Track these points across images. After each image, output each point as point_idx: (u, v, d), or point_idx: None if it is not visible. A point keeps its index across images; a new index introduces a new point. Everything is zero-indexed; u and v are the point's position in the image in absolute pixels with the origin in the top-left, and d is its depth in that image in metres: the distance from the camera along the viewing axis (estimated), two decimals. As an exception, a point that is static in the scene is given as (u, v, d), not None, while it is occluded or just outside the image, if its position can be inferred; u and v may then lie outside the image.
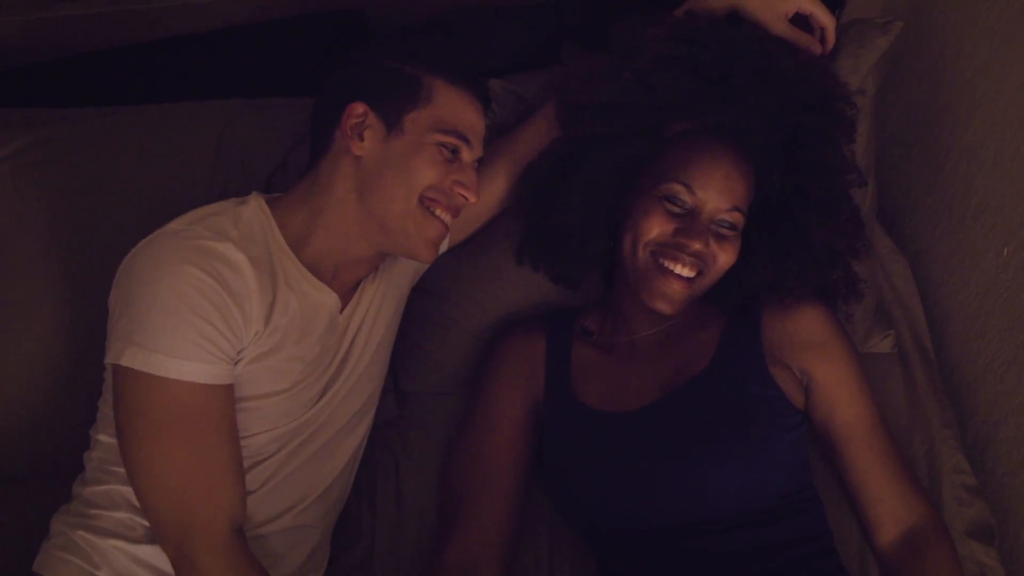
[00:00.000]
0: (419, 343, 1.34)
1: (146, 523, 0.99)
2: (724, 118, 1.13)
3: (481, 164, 1.15)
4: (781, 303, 1.18)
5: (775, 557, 1.06)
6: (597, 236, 1.21)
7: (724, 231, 1.12)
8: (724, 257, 1.12)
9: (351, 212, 1.07)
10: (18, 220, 1.26)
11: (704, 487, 1.06)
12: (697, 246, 1.09)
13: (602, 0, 1.42)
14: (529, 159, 1.24)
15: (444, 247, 1.24)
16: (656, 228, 1.12)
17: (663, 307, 1.12)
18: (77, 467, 1.09)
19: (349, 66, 1.11)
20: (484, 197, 1.19)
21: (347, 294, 1.13)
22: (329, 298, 1.09)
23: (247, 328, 0.99)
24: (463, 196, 1.09)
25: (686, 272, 1.11)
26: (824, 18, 1.20)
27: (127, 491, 1.00)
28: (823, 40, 1.22)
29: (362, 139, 1.06)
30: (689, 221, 1.10)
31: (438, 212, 1.08)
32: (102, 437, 1.04)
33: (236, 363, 1.00)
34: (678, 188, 1.10)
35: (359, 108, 1.05)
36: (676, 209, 1.11)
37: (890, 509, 1.13)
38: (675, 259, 1.11)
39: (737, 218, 1.12)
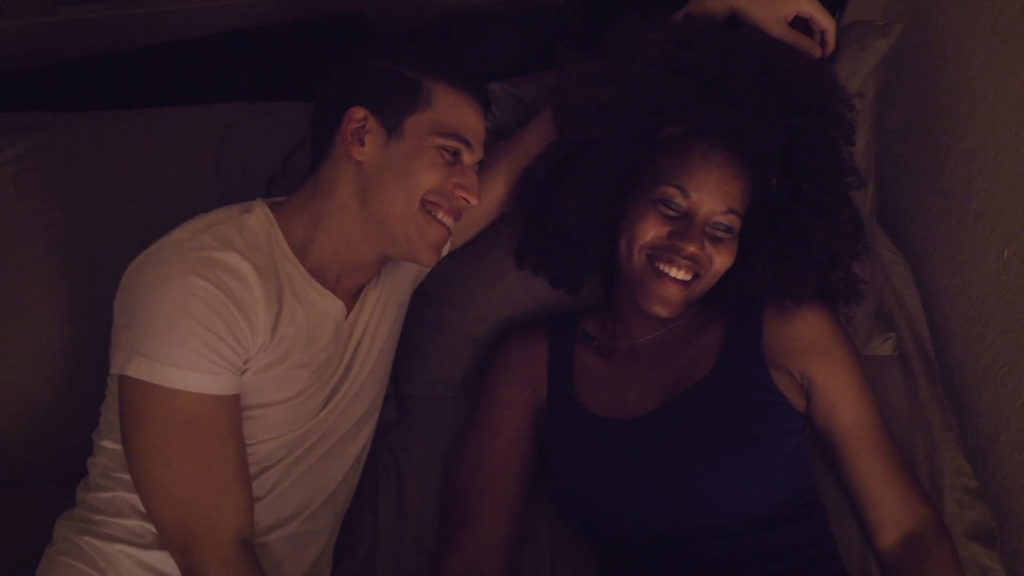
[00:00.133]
0: (420, 347, 1.34)
1: (154, 529, 0.99)
2: (719, 121, 1.13)
3: (481, 167, 1.15)
4: (782, 306, 1.18)
5: (777, 562, 1.06)
6: (595, 240, 1.21)
7: (720, 233, 1.12)
8: (720, 260, 1.12)
9: (353, 217, 1.07)
10: (19, 224, 1.26)
11: (706, 493, 1.06)
12: (692, 249, 1.09)
13: (601, 3, 1.42)
14: (529, 162, 1.24)
15: (445, 251, 1.24)
16: (651, 231, 1.12)
17: (659, 310, 1.12)
18: (80, 471, 1.09)
19: (347, 70, 1.10)
20: (484, 200, 1.19)
21: (350, 300, 1.13)
22: (334, 306, 1.09)
23: (253, 339, 0.99)
24: (464, 199, 1.09)
25: (681, 275, 1.11)
26: (825, 21, 1.20)
27: (133, 498, 1.00)
28: (823, 43, 1.22)
29: (363, 144, 1.05)
30: (684, 224, 1.10)
31: (440, 216, 1.08)
32: (106, 443, 1.04)
33: (242, 373, 1.00)
34: (672, 191, 1.10)
35: (359, 113, 1.05)
36: (671, 212, 1.11)
37: (891, 512, 1.13)
38: (670, 262, 1.11)
39: (733, 220, 1.12)
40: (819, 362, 1.15)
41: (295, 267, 1.06)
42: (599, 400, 1.18)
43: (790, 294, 1.17)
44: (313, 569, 1.13)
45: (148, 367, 0.93)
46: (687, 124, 1.15)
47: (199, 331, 0.94)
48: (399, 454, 1.32)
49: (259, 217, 1.05)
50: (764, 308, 1.18)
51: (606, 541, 1.15)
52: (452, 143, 1.07)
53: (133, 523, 1.01)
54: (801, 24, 1.21)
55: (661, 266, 1.11)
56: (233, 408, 0.99)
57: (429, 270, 1.27)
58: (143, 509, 0.99)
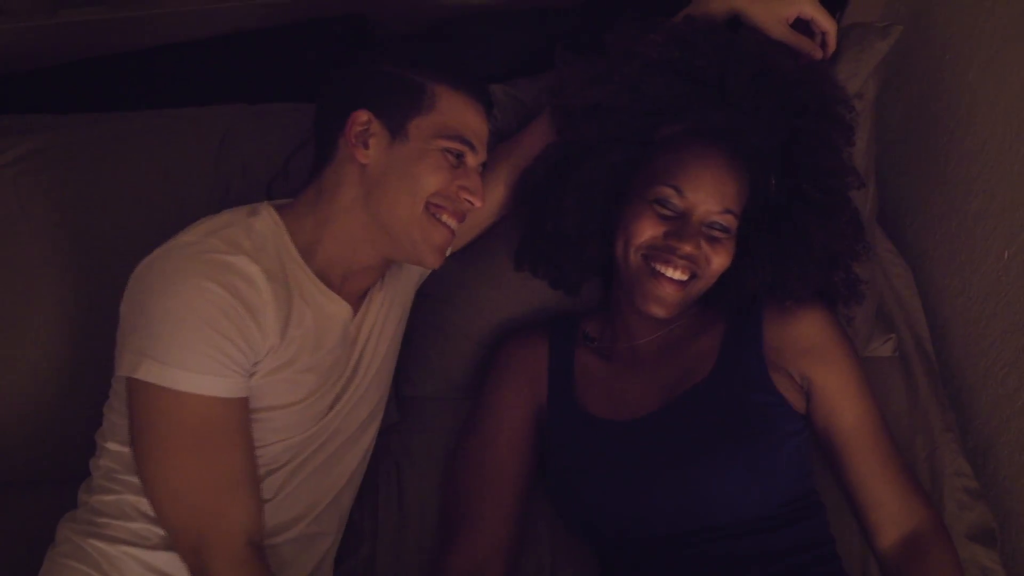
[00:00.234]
0: (421, 348, 1.34)
1: (161, 532, 0.99)
2: (716, 121, 1.14)
3: (483, 169, 1.15)
4: (782, 307, 1.17)
5: (777, 563, 1.06)
6: (593, 241, 1.21)
7: (716, 233, 1.12)
8: (718, 260, 1.12)
9: (358, 220, 1.07)
10: (20, 225, 1.26)
11: (706, 494, 1.07)
12: (688, 248, 1.09)
13: (602, 5, 1.42)
14: (529, 164, 1.24)
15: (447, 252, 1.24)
16: (647, 231, 1.12)
17: (656, 310, 1.12)
18: (81, 472, 1.09)
19: (351, 72, 1.10)
20: (485, 202, 1.19)
21: (355, 302, 1.13)
22: (341, 309, 1.09)
23: (263, 341, 0.99)
24: (468, 201, 1.09)
25: (678, 275, 1.11)
26: (826, 23, 1.20)
27: (138, 501, 1.00)
28: (824, 45, 1.22)
29: (367, 147, 1.05)
30: (680, 224, 1.10)
31: (444, 218, 1.08)
32: (110, 445, 1.03)
33: (251, 376, 1.00)
34: (668, 191, 1.10)
35: (363, 116, 1.05)
36: (666, 212, 1.11)
37: (891, 512, 1.13)
38: (666, 262, 1.11)
39: (729, 220, 1.12)
40: (819, 363, 1.15)
41: (302, 270, 1.06)
42: (599, 402, 1.18)
43: (791, 294, 1.17)
44: (318, 570, 1.13)
45: (158, 370, 0.93)
46: (683, 124, 1.15)
47: (209, 334, 0.94)
48: (399, 455, 1.32)
49: (266, 220, 1.05)
50: (764, 309, 1.18)
51: (606, 543, 1.15)
52: (456, 145, 1.07)
53: (138, 526, 1.00)
54: (802, 26, 1.21)
55: (657, 266, 1.11)
56: (242, 410, 0.99)
57: (430, 272, 1.27)
58: (149, 512, 0.99)
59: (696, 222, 1.10)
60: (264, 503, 1.03)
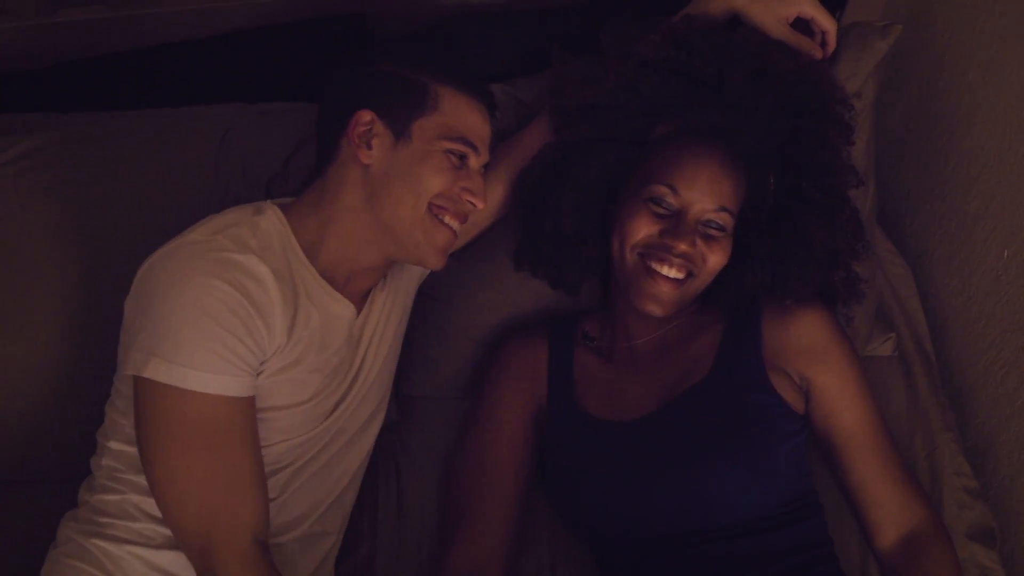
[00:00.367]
0: (421, 348, 1.34)
1: (165, 532, 0.99)
2: (711, 120, 1.13)
3: (484, 169, 1.15)
4: (781, 308, 1.17)
5: (776, 563, 1.06)
6: (591, 241, 1.21)
7: (712, 232, 1.12)
8: (714, 258, 1.12)
9: (361, 220, 1.07)
10: (20, 224, 1.26)
11: (706, 495, 1.06)
12: (683, 247, 1.09)
13: (602, 6, 1.42)
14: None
15: (448, 252, 1.24)
16: (642, 230, 1.12)
17: (652, 309, 1.12)
18: (82, 471, 1.09)
19: (353, 72, 1.10)
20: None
21: (358, 302, 1.13)
22: (346, 309, 1.09)
23: (270, 341, 0.99)
24: (471, 203, 1.09)
25: (673, 273, 1.11)
26: (826, 22, 1.20)
27: (141, 500, 1.00)
28: (824, 44, 1.22)
29: (370, 147, 1.05)
30: (675, 222, 1.10)
31: (446, 219, 1.08)
32: (113, 444, 1.03)
33: (258, 375, 1.00)
34: (663, 190, 1.10)
35: (366, 116, 1.05)
36: (661, 210, 1.11)
37: (890, 512, 1.13)
38: (662, 260, 1.11)
39: (725, 219, 1.11)
40: (818, 364, 1.14)
41: (308, 270, 1.06)
42: (599, 402, 1.18)
43: (791, 294, 1.16)
44: (320, 570, 1.13)
45: (166, 369, 0.93)
46: (679, 123, 1.15)
47: (218, 333, 0.94)
48: (399, 455, 1.32)
49: (271, 219, 1.05)
50: (763, 310, 1.18)
51: (605, 543, 1.15)
52: (459, 147, 1.07)
53: (143, 526, 1.00)
54: (802, 25, 1.21)
55: (653, 264, 1.11)
56: (250, 409, 0.99)
57: (431, 271, 1.27)
58: (153, 512, 0.99)
59: (691, 220, 1.10)
60: (269, 503, 1.03)
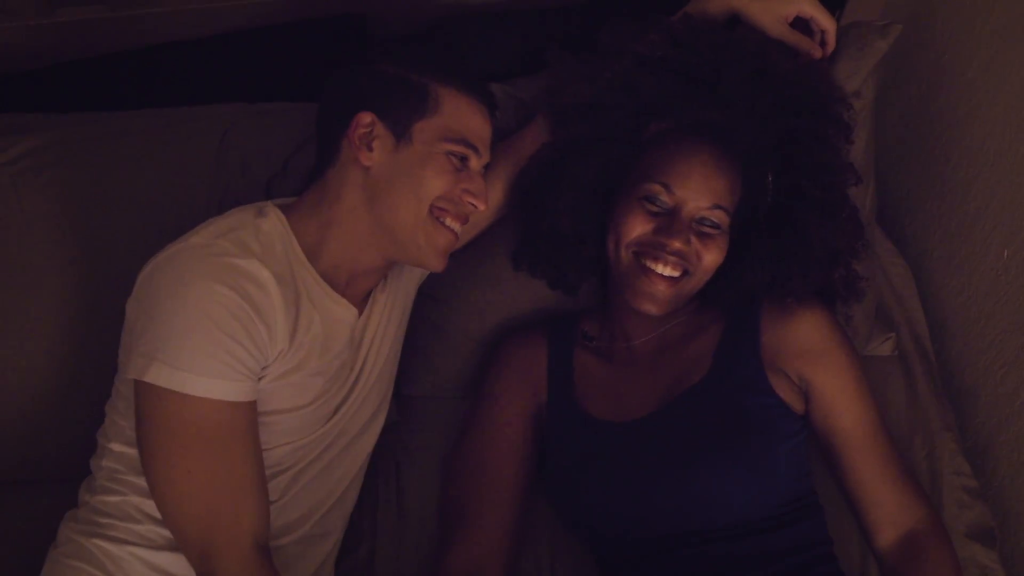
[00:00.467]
0: (420, 348, 1.34)
1: (166, 533, 0.99)
2: (704, 117, 1.13)
3: (485, 170, 1.15)
4: (780, 308, 1.17)
5: (776, 564, 1.06)
6: (589, 240, 1.21)
7: (707, 229, 1.12)
8: (710, 256, 1.12)
9: (361, 222, 1.06)
10: (20, 224, 1.26)
11: (705, 496, 1.06)
12: (677, 244, 1.09)
13: (601, 6, 1.42)
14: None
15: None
16: (637, 228, 1.12)
17: (648, 307, 1.12)
18: (82, 471, 1.09)
19: (353, 73, 1.10)
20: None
21: (359, 304, 1.13)
22: (348, 312, 1.09)
23: (272, 346, 0.99)
24: (472, 204, 1.09)
25: (668, 271, 1.11)
26: (825, 21, 1.20)
27: (141, 502, 1.00)
28: (823, 43, 1.22)
29: (370, 149, 1.05)
30: (668, 220, 1.10)
31: (448, 221, 1.08)
32: (114, 446, 1.03)
33: (260, 379, 0.99)
34: (656, 188, 1.10)
35: (367, 118, 1.05)
36: (656, 209, 1.11)
37: (889, 512, 1.13)
38: (656, 259, 1.11)
39: (720, 216, 1.11)
40: (817, 365, 1.14)
41: (310, 273, 1.05)
42: (598, 403, 1.18)
43: (791, 293, 1.16)
44: (320, 570, 1.13)
45: (168, 374, 0.93)
46: (670, 121, 1.15)
47: (220, 338, 0.93)
48: (399, 455, 1.32)
49: (273, 222, 1.05)
50: (761, 310, 1.18)
51: (605, 543, 1.15)
52: (460, 149, 1.07)
53: (144, 528, 1.00)
54: (801, 24, 1.21)
55: (648, 263, 1.11)
56: (251, 413, 0.98)
57: (429, 272, 1.27)
58: (154, 514, 0.99)
59: (685, 218, 1.10)
60: (269, 505, 1.03)
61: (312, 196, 1.09)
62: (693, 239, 1.10)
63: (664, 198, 1.11)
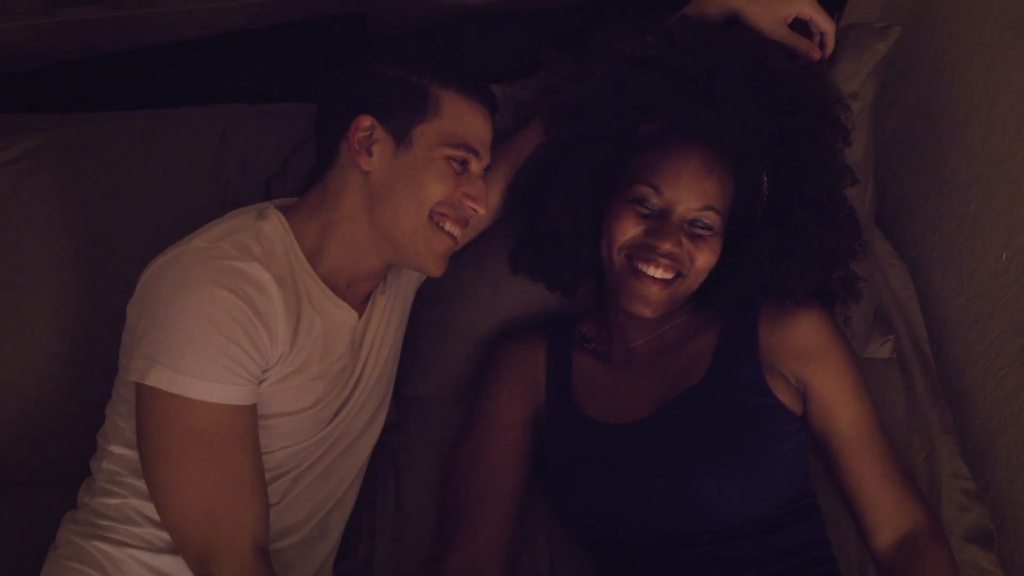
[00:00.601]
0: (419, 350, 1.34)
1: (167, 536, 0.99)
2: (696, 117, 1.13)
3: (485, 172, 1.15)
4: (778, 309, 1.17)
5: (774, 565, 1.06)
6: (585, 242, 1.21)
7: (699, 231, 1.12)
8: (702, 258, 1.12)
9: (361, 227, 1.06)
10: (20, 224, 1.26)
11: (703, 498, 1.06)
12: (668, 247, 1.09)
13: (601, 5, 1.42)
14: (526, 165, 1.24)
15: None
16: (628, 231, 1.12)
17: (641, 310, 1.12)
18: (82, 472, 1.09)
19: (353, 75, 1.09)
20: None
21: (359, 306, 1.13)
22: (349, 316, 1.09)
23: (273, 349, 0.98)
24: (473, 208, 1.09)
25: (660, 273, 1.11)
26: (824, 23, 1.20)
27: (143, 505, 1.00)
28: (822, 45, 1.22)
29: (370, 154, 1.04)
30: (659, 222, 1.10)
31: (447, 226, 1.08)
32: (114, 448, 1.03)
33: (260, 383, 0.99)
34: (646, 190, 1.10)
35: (366, 121, 1.04)
36: (646, 211, 1.11)
37: (887, 514, 1.13)
38: (648, 261, 1.10)
39: (711, 217, 1.11)
40: (815, 366, 1.14)
41: (311, 276, 1.05)
42: (597, 404, 1.18)
43: (789, 294, 1.16)
44: (319, 573, 1.13)
45: (169, 377, 0.93)
46: (659, 122, 1.15)
47: (221, 342, 0.93)
48: (397, 456, 1.32)
49: (274, 224, 1.04)
50: (759, 312, 1.18)
51: (604, 545, 1.15)
52: (461, 153, 1.06)
53: (144, 531, 1.00)
54: (800, 26, 1.21)
55: (640, 265, 1.11)
56: (251, 417, 0.98)
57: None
58: (154, 516, 0.99)
59: (676, 220, 1.10)
60: (269, 508, 1.03)
61: (312, 198, 1.09)
62: (685, 241, 1.10)
63: (654, 200, 1.10)
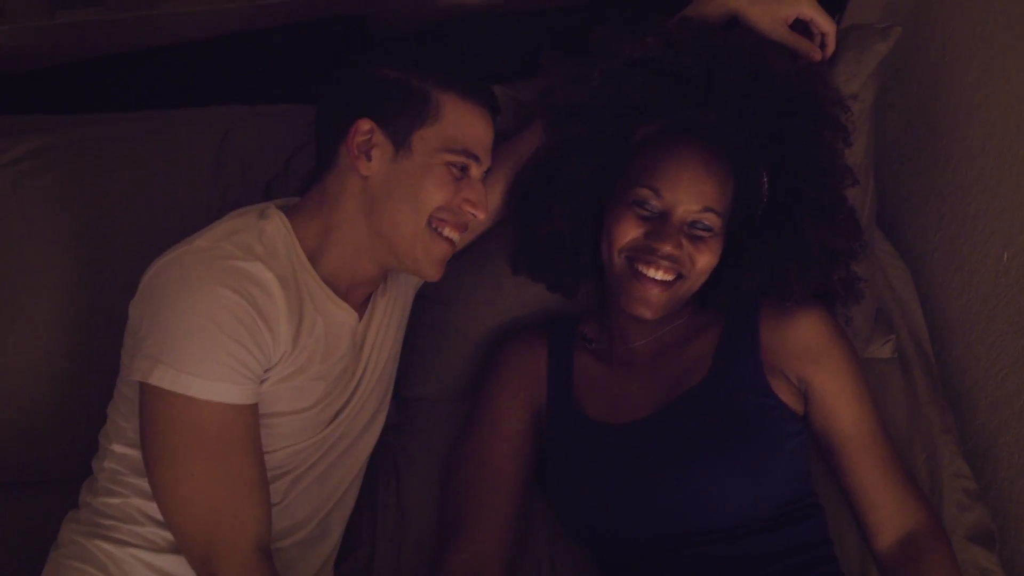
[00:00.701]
0: (420, 350, 1.34)
1: (169, 536, 0.99)
2: (695, 118, 1.13)
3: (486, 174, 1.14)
4: (779, 309, 1.17)
5: (776, 564, 1.06)
6: (585, 244, 1.21)
7: (699, 232, 1.11)
8: (703, 259, 1.11)
9: (359, 231, 1.06)
10: (20, 225, 1.26)
11: (705, 497, 1.06)
12: (668, 249, 1.09)
13: (602, 6, 1.42)
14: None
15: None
16: (628, 233, 1.11)
17: (642, 311, 1.12)
18: (83, 472, 1.09)
19: (353, 76, 1.08)
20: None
21: (360, 308, 1.12)
22: (350, 316, 1.09)
23: (275, 349, 0.98)
24: (472, 213, 1.08)
25: (660, 275, 1.11)
26: (825, 24, 1.20)
27: (145, 505, 1.00)
28: (823, 46, 1.22)
29: (369, 158, 1.03)
30: (659, 224, 1.10)
31: (446, 232, 1.07)
32: (116, 447, 1.03)
33: (262, 382, 0.99)
34: (646, 193, 1.10)
35: (365, 125, 1.03)
36: (646, 213, 1.11)
37: (889, 514, 1.13)
38: (648, 263, 1.10)
39: (711, 219, 1.11)
40: (816, 366, 1.14)
41: (312, 277, 1.05)
42: (598, 404, 1.18)
43: (790, 296, 1.16)
44: (320, 572, 1.13)
45: (172, 376, 0.92)
46: (658, 124, 1.15)
47: (224, 341, 0.93)
48: (398, 457, 1.32)
49: (276, 224, 1.04)
50: (761, 311, 1.18)
51: (605, 545, 1.15)
52: (461, 159, 1.05)
53: (146, 530, 1.00)
54: (801, 27, 1.21)
55: (640, 267, 1.11)
56: (253, 417, 0.98)
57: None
58: (156, 516, 0.99)
59: (676, 222, 1.10)
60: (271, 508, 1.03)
61: (313, 199, 1.08)
62: (685, 242, 1.10)
63: (654, 202, 1.10)
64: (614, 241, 1.13)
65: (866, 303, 1.28)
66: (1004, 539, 1.30)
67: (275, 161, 1.33)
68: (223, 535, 0.95)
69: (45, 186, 1.27)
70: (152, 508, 0.99)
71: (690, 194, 1.09)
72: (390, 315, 1.18)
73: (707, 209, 1.10)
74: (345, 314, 1.08)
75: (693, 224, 1.11)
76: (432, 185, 1.04)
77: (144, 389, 0.95)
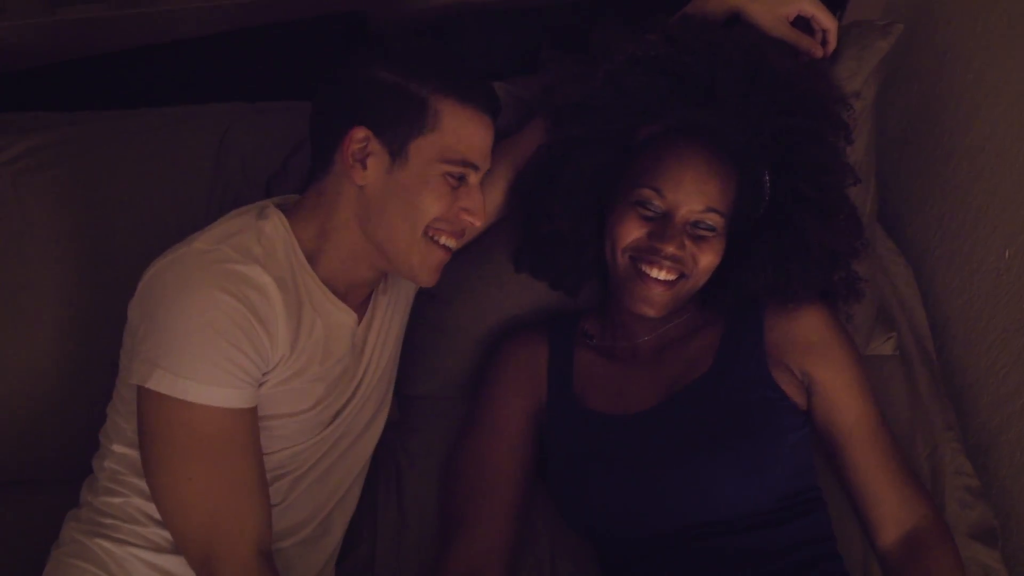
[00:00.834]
0: (421, 348, 1.34)
1: (170, 536, 0.99)
2: (697, 118, 1.13)
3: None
4: (783, 305, 1.17)
5: (778, 559, 1.06)
6: (588, 243, 1.21)
7: (702, 232, 1.11)
8: (706, 259, 1.11)
9: (355, 236, 1.05)
10: (20, 223, 1.26)
11: (707, 491, 1.06)
12: (671, 249, 1.09)
13: (602, 4, 1.42)
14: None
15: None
16: (631, 233, 1.11)
17: (646, 311, 1.12)
18: (83, 470, 1.09)
19: (350, 78, 1.04)
20: (485, 205, 1.17)
21: (360, 308, 1.12)
22: (349, 318, 1.08)
23: (273, 352, 0.98)
24: (469, 221, 1.07)
25: (663, 275, 1.11)
26: (826, 21, 1.20)
27: (146, 505, 1.00)
28: (824, 43, 1.22)
29: (364, 167, 1.01)
30: (662, 224, 1.10)
31: (443, 240, 1.06)
32: (116, 447, 1.03)
33: (261, 385, 0.99)
34: (648, 193, 1.10)
35: (360, 133, 1.00)
36: (649, 213, 1.11)
37: (891, 510, 1.13)
38: (651, 263, 1.10)
39: (714, 219, 1.11)
40: (820, 360, 1.15)
41: (311, 278, 1.04)
42: (599, 398, 1.18)
43: (792, 296, 1.16)
44: (321, 572, 1.13)
45: (170, 381, 0.92)
46: (661, 124, 1.15)
47: (222, 345, 0.93)
48: (399, 455, 1.32)
49: (275, 224, 1.03)
50: (765, 307, 1.18)
51: (607, 539, 1.15)
52: (459, 169, 1.03)
53: (147, 530, 1.00)
54: (802, 24, 1.21)
55: (643, 267, 1.11)
56: (252, 420, 0.98)
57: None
58: (156, 516, 0.99)
59: (679, 222, 1.10)
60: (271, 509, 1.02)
61: (310, 200, 1.07)
62: (688, 242, 1.10)
63: (657, 203, 1.10)
64: (617, 241, 1.13)
65: (867, 300, 1.28)
66: (1006, 536, 1.30)
67: (275, 158, 1.33)
68: (223, 538, 0.95)
69: (44, 184, 1.27)
70: (153, 508, 0.99)
71: (693, 194, 1.09)
72: (391, 314, 1.18)
73: (710, 209, 1.10)
74: (344, 315, 1.07)
75: (696, 224, 1.11)
76: (429, 197, 1.02)
77: (142, 393, 0.95)
